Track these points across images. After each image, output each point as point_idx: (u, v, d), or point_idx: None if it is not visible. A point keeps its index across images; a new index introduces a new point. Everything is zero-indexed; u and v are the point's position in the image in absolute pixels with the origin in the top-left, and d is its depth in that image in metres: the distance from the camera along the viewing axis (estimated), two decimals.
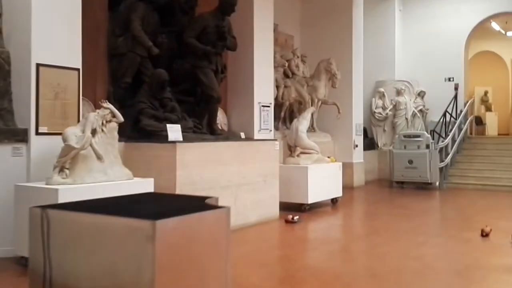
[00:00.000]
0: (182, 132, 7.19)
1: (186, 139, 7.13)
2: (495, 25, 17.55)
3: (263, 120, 9.46)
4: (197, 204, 3.80)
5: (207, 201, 3.89)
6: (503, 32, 18.60)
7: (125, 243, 3.04)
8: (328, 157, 10.54)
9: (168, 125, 6.99)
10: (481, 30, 16.46)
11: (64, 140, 5.62)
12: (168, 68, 7.80)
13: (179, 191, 6.73)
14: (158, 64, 7.70)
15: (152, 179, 6.27)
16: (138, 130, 7.29)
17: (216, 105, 8.27)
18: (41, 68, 5.89)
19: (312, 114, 10.51)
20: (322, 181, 9.76)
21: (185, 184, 6.86)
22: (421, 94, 15.52)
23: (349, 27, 13.26)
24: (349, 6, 13.29)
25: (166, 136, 6.97)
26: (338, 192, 10.37)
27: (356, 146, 13.40)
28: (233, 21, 8.48)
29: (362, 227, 9.01)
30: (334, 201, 10.30)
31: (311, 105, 11.70)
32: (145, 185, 6.16)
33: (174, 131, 6.98)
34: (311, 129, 11.87)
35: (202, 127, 8.08)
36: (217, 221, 3.50)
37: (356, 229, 8.87)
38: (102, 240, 3.10)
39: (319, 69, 12.19)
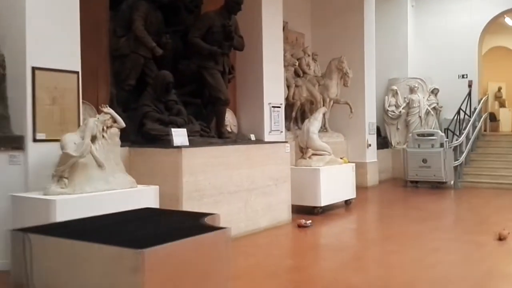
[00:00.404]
0: (189, 136, 6.72)
1: (192, 143, 6.67)
2: (508, 20, 16.94)
3: (273, 121, 8.96)
4: (194, 224, 3.40)
5: (206, 219, 3.49)
6: None
7: (110, 274, 2.65)
8: (341, 158, 10.04)
9: (173, 129, 6.51)
10: (494, 25, 15.93)
11: (62, 147, 5.21)
12: (173, 69, 7.30)
13: (185, 198, 6.33)
14: (162, 65, 7.18)
15: (156, 187, 5.85)
16: (142, 135, 6.82)
17: (224, 107, 7.76)
18: (37, 72, 5.45)
19: (324, 114, 10.00)
20: (335, 183, 9.29)
21: (192, 191, 6.43)
22: (434, 92, 14.96)
23: (360, 24, 12.73)
24: (360, 3, 12.78)
25: (172, 140, 6.50)
26: (351, 194, 9.88)
27: (370, 145, 12.89)
28: (240, 19, 7.98)
29: (375, 231, 8.54)
30: (347, 202, 9.80)
31: (323, 105, 11.20)
32: (148, 193, 5.77)
33: (179, 135, 6.52)
34: (323, 129, 11.36)
35: (210, 130, 7.59)
36: (215, 245, 3.07)
37: (370, 233, 8.40)
38: (86, 269, 2.76)
39: (331, 67, 11.70)
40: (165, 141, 6.55)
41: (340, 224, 8.78)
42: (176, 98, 7.15)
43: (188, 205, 6.32)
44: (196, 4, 7.80)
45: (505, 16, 16.04)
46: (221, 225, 6.14)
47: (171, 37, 7.34)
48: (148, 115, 6.82)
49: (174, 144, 6.42)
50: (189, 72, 7.49)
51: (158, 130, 6.74)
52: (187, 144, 6.56)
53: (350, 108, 11.87)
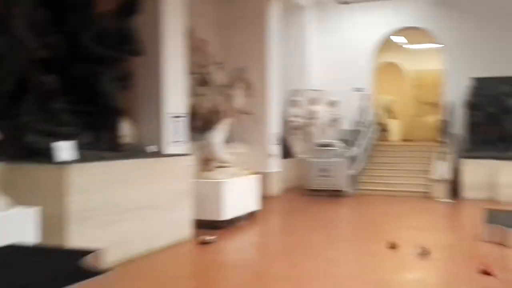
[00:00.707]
0: (78, 149, 5.67)
1: (81, 157, 5.63)
2: (398, 38, 17.38)
3: (175, 132, 8.05)
4: (71, 267, 2.52)
5: (86, 259, 2.62)
6: (405, 45, 18.54)
7: None
8: (245, 169, 9.35)
9: (58, 143, 5.43)
10: (386, 42, 16.22)
11: None
12: (61, 74, 6.10)
13: (73, 219, 5.37)
14: (48, 69, 5.95)
15: (37, 208, 4.80)
16: (22, 148, 5.63)
17: (118, 116, 6.73)
18: None
19: (228, 125, 9.27)
20: (239, 195, 8.62)
21: (81, 211, 5.44)
22: (333, 103, 14.79)
23: (264, 35, 12.23)
24: (264, 14, 12.25)
25: (56, 155, 5.42)
26: (256, 206, 9.24)
27: (273, 155, 12.36)
28: (140, 23, 7.02)
29: (278, 244, 8.02)
30: (251, 215, 9.12)
31: (227, 115, 10.45)
32: (27, 216, 4.77)
33: (65, 148, 5.45)
34: (228, 140, 10.61)
35: (103, 142, 6.52)
36: None
37: (273, 247, 7.85)
38: None
39: (235, 77, 10.95)
40: (48, 156, 5.43)
41: (244, 238, 8.22)
42: (63, 107, 6.01)
43: (77, 228, 5.36)
44: (87, 2, 6.58)
45: (395, 34, 16.30)
46: (114, 249, 5.16)
47: (58, 38, 6.14)
48: (28, 126, 5.65)
49: (58, 159, 5.35)
50: (79, 78, 6.33)
51: (41, 143, 5.56)
52: (75, 158, 5.52)
53: (252, 118, 11.25)
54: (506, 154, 11.97)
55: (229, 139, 10.78)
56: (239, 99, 10.85)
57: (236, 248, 7.58)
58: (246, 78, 10.50)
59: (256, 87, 10.78)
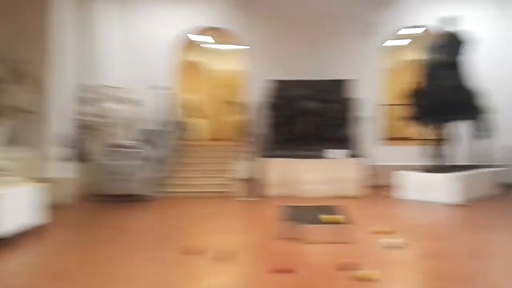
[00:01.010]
0: None
1: None
2: (204, 38, 17.46)
3: None
4: None
5: None
6: (211, 45, 18.77)
7: None
8: (24, 176, 8.17)
9: None
10: (191, 42, 16.23)
11: None
12: None
13: None
14: None
15: None
16: None
17: None
18: None
19: (3, 126, 8.00)
20: (15, 207, 7.55)
21: None
22: (132, 102, 13.99)
23: (47, 25, 10.97)
24: (47, 2, 11.01)
25: None
26: (40, 218, 8.14)
27: (62, 159, 11.15)
28: None
29: (62, 262, 6.93)
30: (35, 229, 7.98)
31: (3, 114, 9.09)
32: None
33: None
34: (5, 143, 9.23)
35: None
36: None
37: (55, 266, 6.73)
38: None
39: (14, 71, 9.65)
40: None
41: (20, 259, 7.08)
42: None
43: None
44: None
45: (200, 33, 16.34)
46: None
47: None
48: None
49: None
50: None
51: None
52: None
53: (35, 117, 10.03)
54: (305, 153, 12.70)
55: (6, 142, 9.41)
56: (18, 95, 9.61)
57: (8, 271, 6.45)
58: (27, 72, 9.30)
59: (39, 83, 9.63)
